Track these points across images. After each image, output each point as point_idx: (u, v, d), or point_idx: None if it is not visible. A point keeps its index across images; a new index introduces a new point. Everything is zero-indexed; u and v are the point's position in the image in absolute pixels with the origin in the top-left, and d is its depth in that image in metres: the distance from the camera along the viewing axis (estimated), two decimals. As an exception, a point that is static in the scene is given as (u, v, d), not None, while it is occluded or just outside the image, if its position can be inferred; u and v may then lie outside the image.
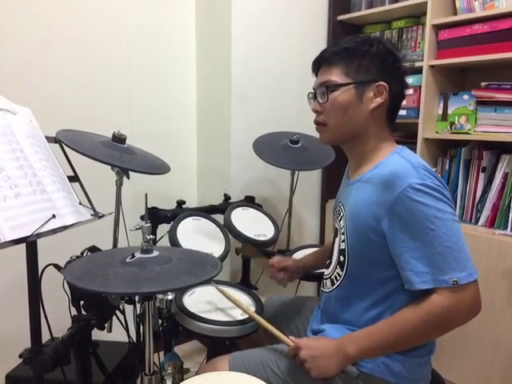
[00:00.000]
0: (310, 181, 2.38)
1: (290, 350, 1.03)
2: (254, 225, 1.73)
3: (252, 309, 1.30)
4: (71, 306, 1.16)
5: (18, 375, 1.40)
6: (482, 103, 1.84)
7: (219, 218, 1.74)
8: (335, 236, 1.16)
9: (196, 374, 1.10)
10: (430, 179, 0.96)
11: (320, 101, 1.09)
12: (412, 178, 0.95)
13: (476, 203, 1.87)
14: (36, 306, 1.03)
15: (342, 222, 1.10)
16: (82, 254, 1.25)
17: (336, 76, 1.07)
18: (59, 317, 1.16)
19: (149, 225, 1.02)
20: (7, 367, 1.44)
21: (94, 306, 1.17)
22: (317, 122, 1.13)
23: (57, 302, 1.13)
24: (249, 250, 1.71)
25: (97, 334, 1.22)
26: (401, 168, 0.98)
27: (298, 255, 1.71)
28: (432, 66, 1.94)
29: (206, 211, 1.77)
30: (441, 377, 1.21)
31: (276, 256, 1.49)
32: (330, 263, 1.18)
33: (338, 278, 1.12)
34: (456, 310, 0.93)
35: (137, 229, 1.04)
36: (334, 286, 1.13)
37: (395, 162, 1.02)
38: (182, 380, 1.04)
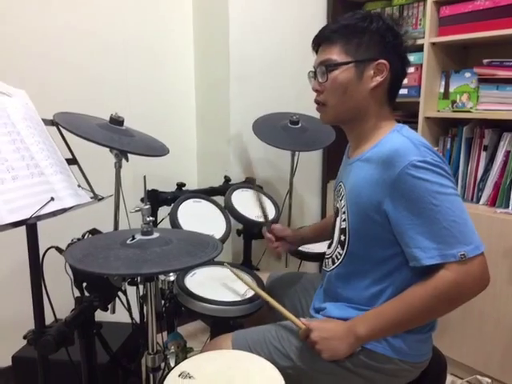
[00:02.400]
0: (311, 161, 2.37)
1: (302, 332, 1.04)
2: (254, 206, 1.72)
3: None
4: (74, 288, 1.17)
5: (24, 356, 1.42)
6: (483, 81, 1.82)
7: (220, 199, 1.74)
8: (336, 216, 1.16)
9: (199, 353, 1.11)
10: (430, 156, 0.95)
11: (320, 80, 1.08)
12: (412, 156, 0.94)
13: (477, 182, 1.87)
14: (38, 289, 1.04)
15: (342, 202, 1.10)
16: (83, 236, 1.25)
17: (336, 54, 1.05)
18: (63, 299, 1.17)
19: (148, 207, 1.02)
20: (13, 348, 1.46)
21: (96, 288, 1.18)
22: (317, 102, 1.12)
23: (60, 284, 1.14)
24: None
25: (101, 316, 1.23)
26: (401, 146, 0.98)
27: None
28: (433, 44, 1.90)
29: (207, 193, 1.77)
30: (442, 354, 1.22)
31: (276, 224, 1.46)
32: (332, 243, 1.18)
33: (339, 256, 1.12)
34: (465, 284, 0.93)
35: (136, 211, 1.04)
36: (335, 265, 1.13)
37: (395, 140, 1.01)
38: (186, 359, 1.06)
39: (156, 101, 2.12)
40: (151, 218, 1.02)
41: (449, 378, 1.87)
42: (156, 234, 1.02)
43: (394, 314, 0.98)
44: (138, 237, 1.00)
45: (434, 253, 0.93)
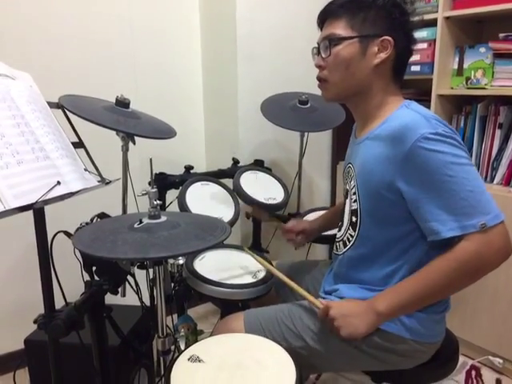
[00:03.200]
0: (321, 143, 2.33)
1: (321, 310, 1.03)
2: (263, 188, 1.71)
3: (262, 272, 1.29)
4: (84, 272, 1.17)
5: (36, 339, 1.43)
6: (499, 56, 1.76)
7: (228, 182, 1.73)
8: (346, 198, 1.14)
9: (210, 335, 1.11)
10: (441, 127, 0.93)
11: (323, 55, 1.06)
12: (424, 128, 0.92)
13: (492, 161, 1.82)
14: (47, 273, 1.03)
15: (352, 182, 1.08)
16: (92, 220, 1.25)
17: (340, 29, 1.03)
18: (73, 283, 1.17)
19: (155, 190, 1.01)
20: (26, 332, 1.48)
21: (105, 272, 1.18)
22: (319, 78, 1.10)
23: (70, 269, 1.14)
24: (259, 213, 1.70)
25: (111, 299, 1.24)
26: (411, 120, 0.95)
27: (309, 218, 1.69)
28: (447, 18, 1.84)
29: (215, 176, 1.75)
30: (454, 335, 1.21)
31: (291, 220, 1.48)
32: (342, 225, 1.17)
33: (351, 238, 1.10)
34: (487, 254, 0.91)
35: (143, 194, 1.02)
36: (347, 248, 1.12)
37: (404, 114, 0.99)
38: (196, 341, 1.06)
39: (163, 82, 2.09)
40: (158, 202, 1.01)
41: (460, 359, 1.85)
42: (163, 218, 1.01)
43: (415, 289, 0.96)
44: (146, 221, 0.99)
45: (454, 225, 0.91)
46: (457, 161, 0.91)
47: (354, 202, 1.07)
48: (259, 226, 1.90)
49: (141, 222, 0.98)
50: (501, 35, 1.74)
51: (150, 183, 1.05)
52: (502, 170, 1.78)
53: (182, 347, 1.18)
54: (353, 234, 1.09)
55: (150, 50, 2.02)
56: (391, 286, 1.02)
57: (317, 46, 1.09)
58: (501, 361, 1.77)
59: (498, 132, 1.80)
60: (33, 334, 1.46)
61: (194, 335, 1.37)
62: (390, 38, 1.00)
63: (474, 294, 1.79)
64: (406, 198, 0.96)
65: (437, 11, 1.85)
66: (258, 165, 1.99)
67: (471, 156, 1.88)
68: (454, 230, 0.91)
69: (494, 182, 1.81)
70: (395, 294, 0.98)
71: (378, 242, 1.04)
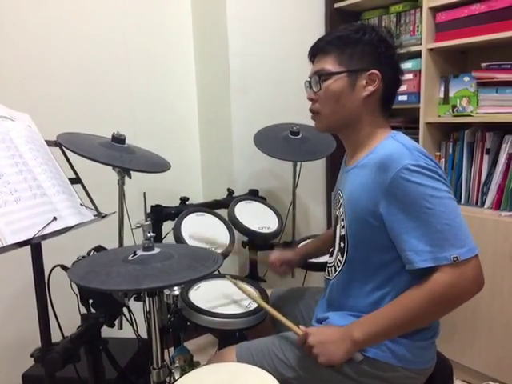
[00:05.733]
0: (315, 171, 2.38)
1: (299, 337, 1.05)
2: (257, 218, 1.74)
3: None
4: (81, 305, 1.19)
5: (34, 374, 1.43)
6: (483, 84, 1.82)
7: (224, 212, 1.76)
8: (336, 224, 1.17)
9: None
10: (423, 160, 0.97)
11: (314, 89, 1.11)
12: (406, 160, 0.96)
13: (481, 186, 1.86)
14: (44, 307, 1.06)
15: (341, 209, 1.12)
16: (89, 253, 1.28)
17: (330, 65, 1.08)
18: (70, 316, 1.19)
19: (149, 223, 1.04)
20: (23, 367, 1.48)
21: (102, 304, 1.20)
22: (311, 111, 1.15)
23: (67, 302, 1.16)
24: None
25: (110, 332, 1.25)
26: (395, 151, 0.99)
27: (303, 245, 1.71)
28: (431, 50, 1.92)
29: (210, 206, 1.78)
30: (447, 359, 1.21)
31: (274, 251, 1.49)
32: (333, 251, 1.19)
33: (340, 264, 1.13)
34: (459, 286, 0.94)
35: (137, 227, 1.06)
36: (337, 273, 1.14)
37: (389, 145, 1.03)
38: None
39: (159, 115, 2.15)
40: (152, 234, 1.04)
41: (461, 385, 1.85)
42: (157, 250, 1.04)
43: (391, 318, 0.98)
44: (140, 252, 1.02)
45: (428, 256, 0.94)
46: (436, 194, 0.94)
47: (343, 228, 1.10)
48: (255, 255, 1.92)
49: (135, 253, 1.01)
50: (483, 65, 1.80)
51: (149, 215, 1.08)
52: (492, 194, 1.81)
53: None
54: (341, 259, 1.12)
55: (146, 86, 2.09)
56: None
57: (309, 79, 1.14)
58: (501, 386, 1.76)
59: (485, 157, 1.85)
60: (31, 368, 1.46)
61: (191, 367, 1.37)
62: (377, 72, 1.05)
63: (470, 319, 1.79)
64: (386, 225, 0.99)
65: (421, 43, 1.93)
66: (253, 194, 2.02)
67: (461, 182, 1.92)
68: (427, 261, 0.94)
69: (485, 206, 1.83)
70: (371, 322, 1.00)
71: (365, 267, 1.06)
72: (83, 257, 1.21)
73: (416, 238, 0.95)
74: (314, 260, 1.69)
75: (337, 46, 1.08)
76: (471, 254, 0.93)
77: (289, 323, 1.10)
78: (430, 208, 0.93)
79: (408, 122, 2.08)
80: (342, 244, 1.11)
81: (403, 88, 1.99)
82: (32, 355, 1.04)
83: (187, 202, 1.83)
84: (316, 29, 2.29)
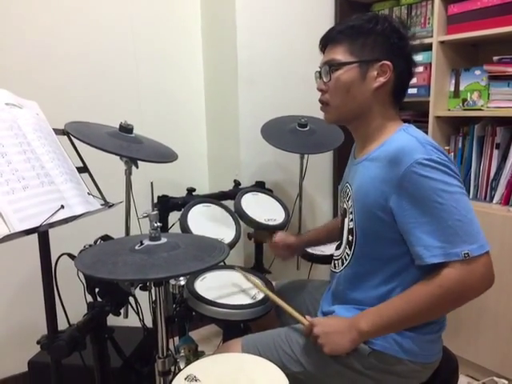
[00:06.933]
0: (322, 164, 2.37)
1: (305, 327, 1.05)
2: (264, 210, 1.73)
3: (262, 293, 1.31)
4: (87, 294, 1.20)
5: (39, 361, 1.45)
6: (494, 78, 1.80)
7: (230, 203, 1.76)
8: (344, 217, 1.17)
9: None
10: (436, 154, 0.95)
11: (324, 79, 1.10)
12: (418, 154, 0.94)
13: (490, 181, 1.84)
14: (50, 295, 1.06)
15: (349, 202, 1.11)
16: (95, 242, 1.28)
17: (340, 55, 1.06)
18: (77, 304, 1.20)
19: (155, 213, 1.03)
20: (29, 354, 1.50)
21: (108, 293, 1.20)
22: (321, 101, 1.14)
23: (74, 290, 1.17)
24: (260, 235, 1.72)
25: (115, 321, 1.26)
26: (407, 144, 0.98)
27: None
28: (442, 42, 1.89)
29: (217, 198, 1.78)
30: (453, 354, 1.21)
31: (279, 233, 1.49)
32: (341, 244, 1.18)
33: (347, 257, 1.12)
34: (469, 283, 0.93)
35: (144, 217, 1.06)
36: (344, 266, 1.14)
37: (401, 138, 1.02)
38: (196, 362, 1.07)
39: (167, 107, 2.15)
40: (159, 224, 1.04)
41: (465, 380, 1.85)
42: (164, 240, 1.03)
43: (398, 311, 0.98)
44: (146, 242, 1.01)
45: (438, 251, 0.93)
46: (447, 189, 0.93)
47: (351, 221, 1.10)
48: (261, 246, 1.92)
49: (141, 243, 1.01)
50: (495, 58, 1.78)
51: (155, 205, 1.07)
52: (501, 189, 1.80)
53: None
54: (349, 252, 1.11)
55: (154, 76, 2.09)
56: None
57: (319, 70, 1.13)
58: (506, 382, 1.75)
59: (495, 152, 1.83)
60: (37, 355, 1.48)
61: (195, 356, 1.38)
62: (388, 63, 1.03)
63: (476, 315, 1.78)
64: (396, 219, 0.98)
65: (432, 36, 1.90)
66: (259, 186, 2.02)
67: (470, 176, 1.90)
68: (438, 256, 0.93)
69: (493, 201, 1.82)
70: (378, 314, 1.00)
71: (372, 261, 1.06)
72: (90, 245, 1.21)
73: (426, 233, 0.94)
74: (320, 253, 1.69)
75: (348, 36, 1.06)
76: (482, 251, 0.92)
77: (295, 313, 1.10)
78: (442, 203, 0.92)
79: (417, 116, 2.06)
80: (350, 237, 1.11)
81: (413, 81, 1.96)
82: (38, 342, 1.04)
83: (194, 193, 1.83)
84: (325, 21, 2.26)
